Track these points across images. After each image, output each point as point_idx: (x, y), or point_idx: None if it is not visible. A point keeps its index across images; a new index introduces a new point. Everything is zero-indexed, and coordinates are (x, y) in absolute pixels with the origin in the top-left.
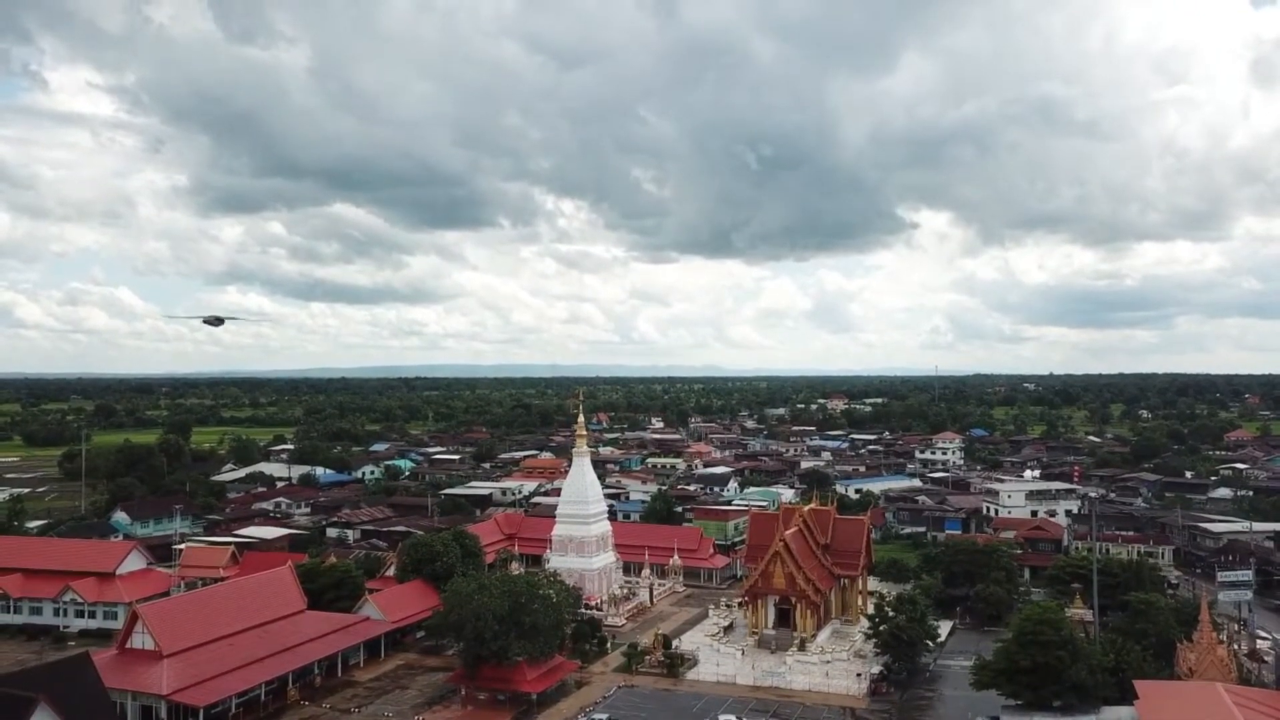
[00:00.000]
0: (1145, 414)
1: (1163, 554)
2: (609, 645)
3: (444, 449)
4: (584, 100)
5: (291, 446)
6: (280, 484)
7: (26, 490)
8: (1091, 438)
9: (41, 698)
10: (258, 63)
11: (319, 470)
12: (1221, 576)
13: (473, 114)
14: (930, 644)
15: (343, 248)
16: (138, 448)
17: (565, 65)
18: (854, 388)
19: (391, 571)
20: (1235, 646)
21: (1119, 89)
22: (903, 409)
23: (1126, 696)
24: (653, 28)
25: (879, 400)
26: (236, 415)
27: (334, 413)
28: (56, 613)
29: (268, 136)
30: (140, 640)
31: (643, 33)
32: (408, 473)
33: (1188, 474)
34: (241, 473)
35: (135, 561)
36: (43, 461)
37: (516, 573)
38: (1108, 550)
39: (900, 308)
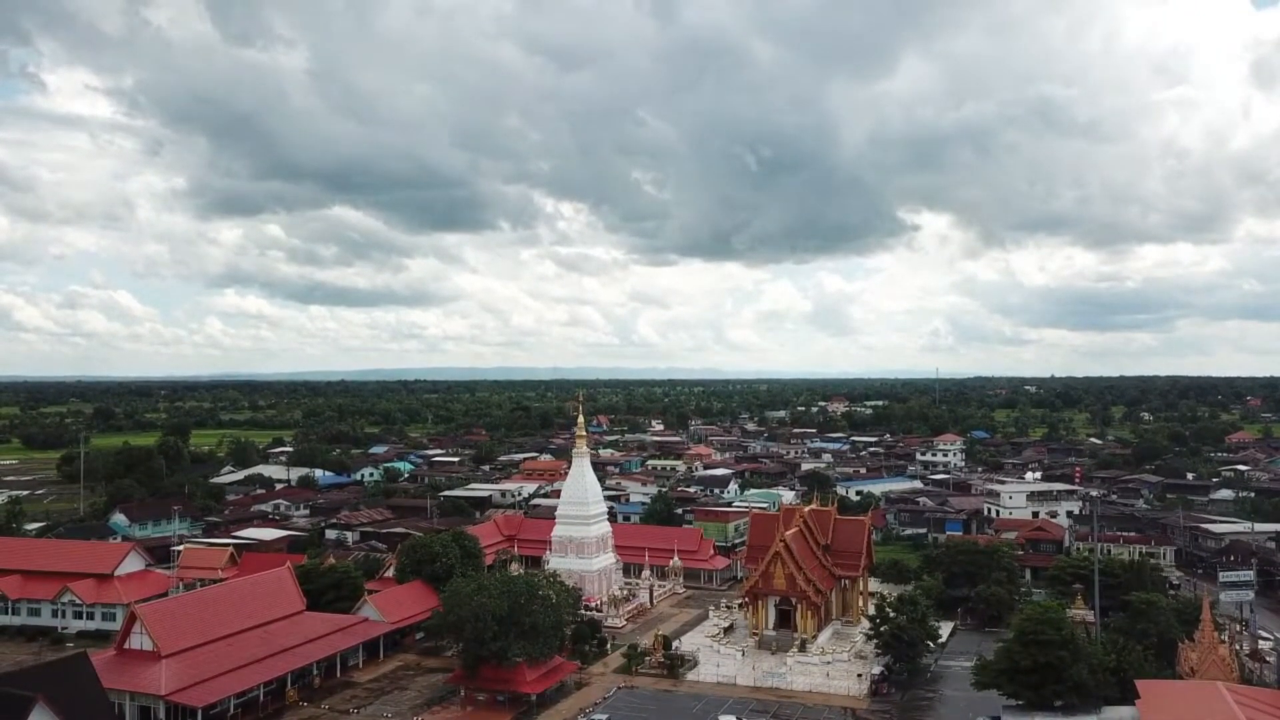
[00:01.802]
0: (1146, 416)
1: (1164, 554)
2: (609, 646)
3: (443, 451)
4: (583, 102)
5: (290, 449)
6: (279, 486)
7: (25, 493)
8: (1093, 439)
9: (39, 697)
10: (256, 65)
11: (318, 472)
12: (1223, 577)
13: (472, 116)
14: (931, 645)
15: (342, 250)
16: (136, 450)
17: (564, 67)
18: (854, 390)
19: (391, 573)
20: (1237, 646)
21: (1119, 90)
22: (903, 411)
23: (1128, 696)
24: (652, 29)
25: (879, 403)
26: (235, 418)
27: (333, 415)
28: (55, 614)
29: (266, 139)
30: (139, 641)
31: (642, 34)
32: (407, 475)
33: (1189, 475)
34: (240, 475)
35: (134, 563)
36: (41, 464)
37: (516, 574)
38: (1109, 551)
39: (900, 310)
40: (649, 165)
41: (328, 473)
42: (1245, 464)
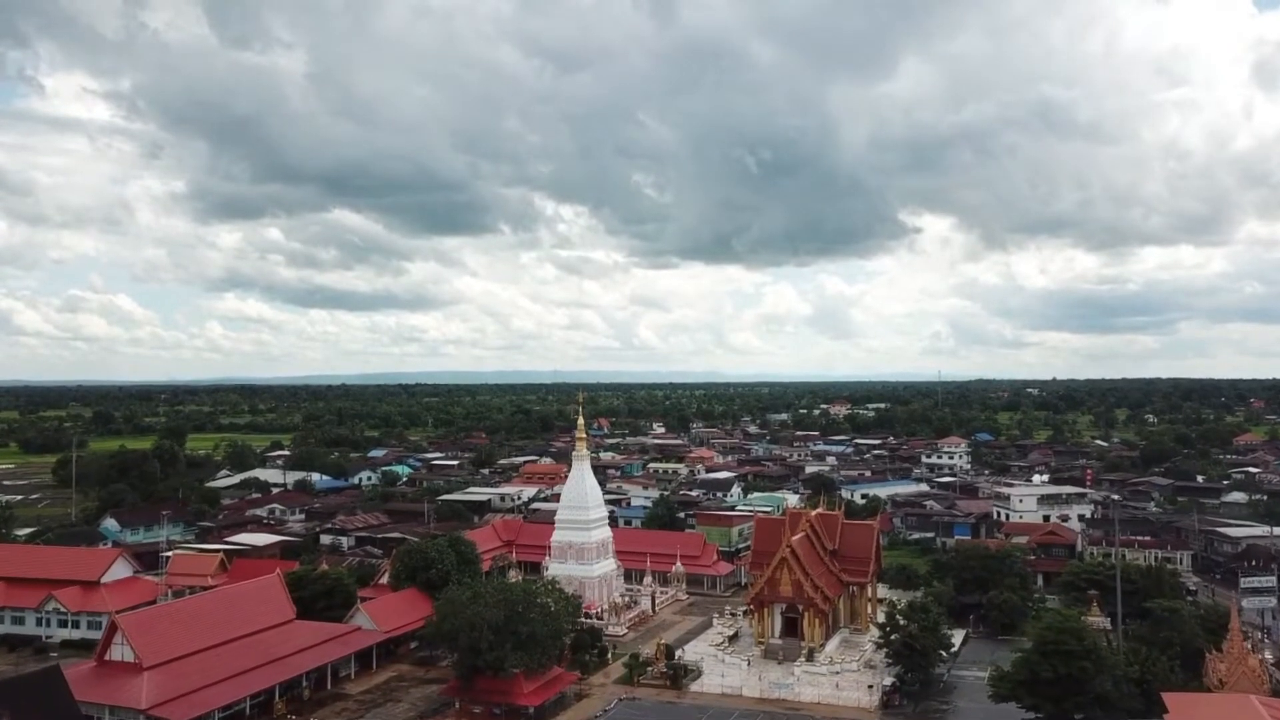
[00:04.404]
0: (1151, 418)
1: (1181, 559)
2: (610, 655)
3: (443, 455)
4: (583, 104)
5: (288, 452)
6: (276, 490)
7: (19, 497)
8: (1099, 442)
9: (5, 713)
10: (254, 68)
11: (315, 476)
12: (1244, 583)
13: (471, 118)
14: (944, 654)
15: (341, 254)
16: (131, 454)
17: (563, 69)
18: (856, 393)
19: (386, 579)
20: (1263, 656)
21: (1120, 92)
22: (906, 414)
23: (1152, 709)
24: (651, 31)
25: (882, 405)
26: (235, 422)
27: (332, 419)
28: (39, 622)
29: (265, 142)
30: (120, 652)
31: (641, 36)
32: (405, 478)
33: (1199, 478)
34: (236, 479)
35: (121, 569)
36: (38, 468)
37: (514, 580)
38: (1124, 556)
39: (901, 313)
40: (649, 168)
41: (325, 477)
42: (1255, 466)
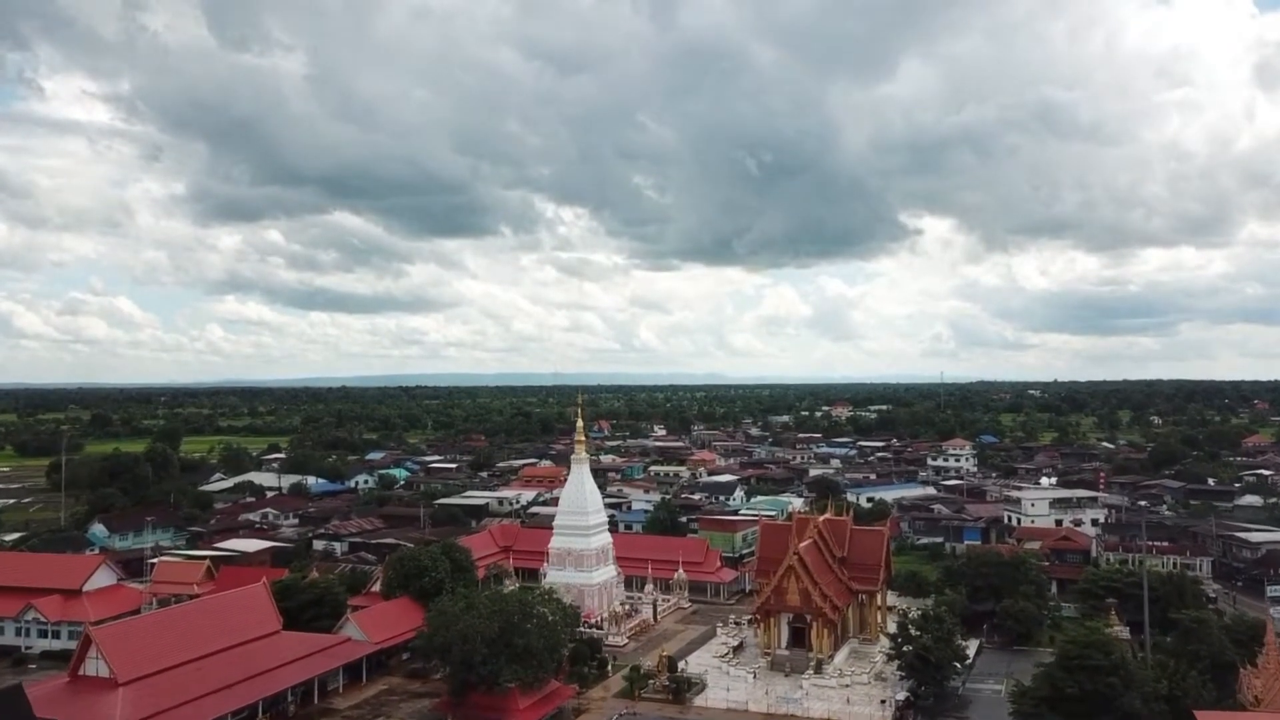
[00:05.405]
0: (1156, 420)
1: (1200, 565)
2: (610, 667)
3: (441, 458)
4: (583, 106)
5: (284, 455)
6: (270, 494)
7: (11, 501)
8: (1105, 444)
9: None
10: (254, 70)
11: (311, 480)
12: (1271, 591)
13: (471, 121)
14: (958, 666)
15: (342, 256)
16: (123, 457)
17: (563, 71)
18: (857, 395)
19: (377, 587)
20: None
21: (1121, 93)
22: (908, 416)
23: None
24: (650, 33)
25: (884, 407)
26: (234, 424)
27: (331, 421)
28: (18, 632)
29: (265, 144)
30: (94, 666)
31: (641, 38)
32: (402, 482)
33: (1209, 481)
34: (230, 482)
35: (104, 577)
36: (33, 471)
37: (510, 588)
38: (1141, 562)
39: (902, 315)
40: (650, 170)
41: (321, 480)
42: (1266, 469)
